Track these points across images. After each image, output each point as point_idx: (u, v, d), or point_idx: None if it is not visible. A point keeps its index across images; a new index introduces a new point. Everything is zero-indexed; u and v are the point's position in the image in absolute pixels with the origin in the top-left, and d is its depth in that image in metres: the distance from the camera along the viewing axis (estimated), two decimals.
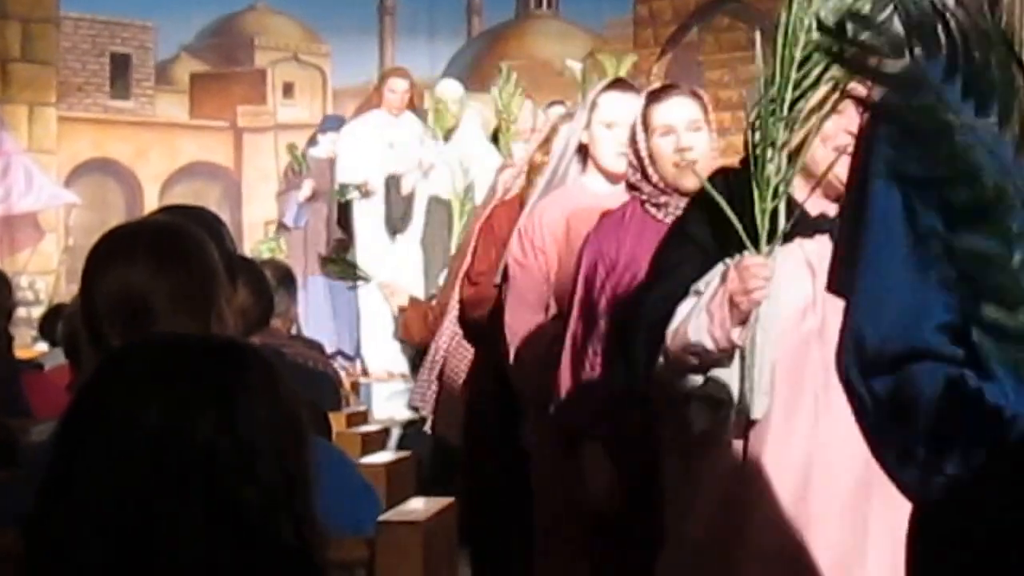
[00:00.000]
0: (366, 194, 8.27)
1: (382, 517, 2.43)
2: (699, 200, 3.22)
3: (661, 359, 3.08)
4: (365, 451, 3.58)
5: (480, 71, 9.51)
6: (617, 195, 4.07)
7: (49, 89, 12.84)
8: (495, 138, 7.91)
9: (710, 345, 2.99)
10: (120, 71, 14.64)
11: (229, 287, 2.40)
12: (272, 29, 15.46)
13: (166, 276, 2.27)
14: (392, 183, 7.95)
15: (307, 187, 9.14)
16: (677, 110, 3.77)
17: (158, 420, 1.57)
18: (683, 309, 3.06)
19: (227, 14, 15.37)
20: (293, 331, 5.98)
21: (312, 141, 9.51)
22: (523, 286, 4.28)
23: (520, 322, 4.27)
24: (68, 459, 1.60)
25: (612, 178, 4.19)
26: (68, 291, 10.02)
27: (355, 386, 7.53)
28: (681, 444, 3.18)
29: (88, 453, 1.59)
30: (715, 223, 3.08)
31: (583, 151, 4.31)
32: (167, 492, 1.55)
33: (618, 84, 4.38)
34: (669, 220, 3.63)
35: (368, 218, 8.24)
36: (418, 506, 2.57)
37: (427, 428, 5.24)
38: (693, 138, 3.76)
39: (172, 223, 2.51)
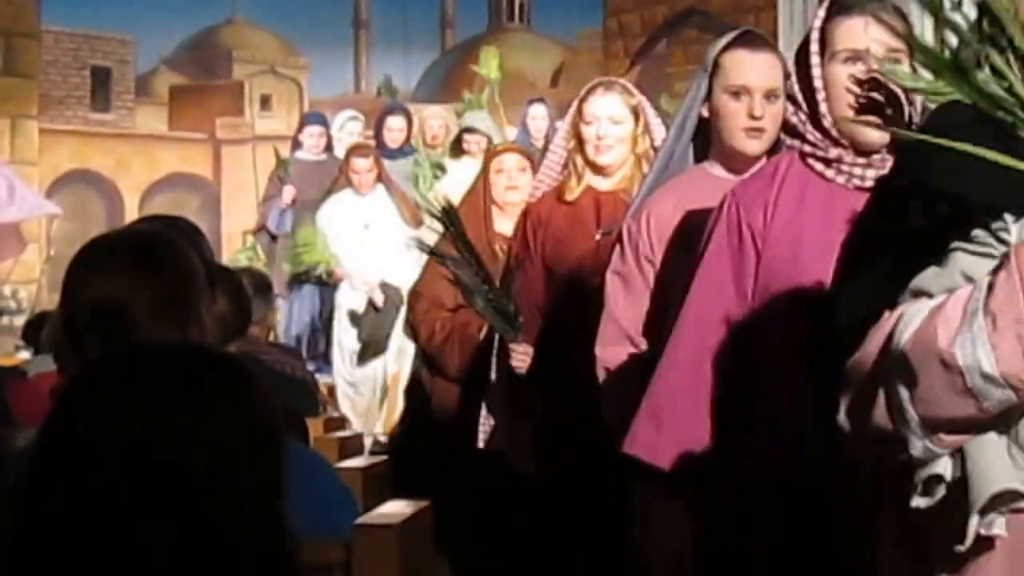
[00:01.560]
0: (333, 277, 8.13)
1: (358, 520, 2.48)
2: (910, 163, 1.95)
3: (884, 395, 1.78)
4: (342, 456, 3.61)
5: (454, 83, 9.56)
6: None
7: (31, 102, 12.83)
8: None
9: (988, 367, 1.68)
10: (100, 84, 14.63)
11: (208, 295, 2.38)
12: (250, 42, 15.46)
13: (145, 285, 2.26)
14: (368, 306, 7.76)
15: (287, 193, 8.93)
16: (872, 30, 2.64)
17: (123, 429, 1.55)
18: (916, 312, 1.78)
19: (205, 28, 15.37)
20: (271, 338, 6.00)
21: (296, 145, 9.37)
22: (623, 307, 3.36)
23: (616, 353, 3.37)
24: (43, 468, 1.59)
25: (741, 162, 3.19)
26: (50, 300, 10.00)
27: (332, 391, 7.53)
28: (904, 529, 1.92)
29: (60, 463, 1.58)
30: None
31: (703, 129, 3.33)
32: (135, 501, 1.54)
33: (746, 38, 3.28)
34: (842, 182, 2.67)
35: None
36: (394, 509, 2.60)
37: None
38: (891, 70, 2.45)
39: (152, 232, 2.50)
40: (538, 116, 8.84)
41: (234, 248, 11.47)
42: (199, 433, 1.56)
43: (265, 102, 15.18)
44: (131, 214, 13.70)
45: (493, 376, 4.38)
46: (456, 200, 6.77)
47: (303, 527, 1.75)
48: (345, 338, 7.90)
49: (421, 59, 11.24)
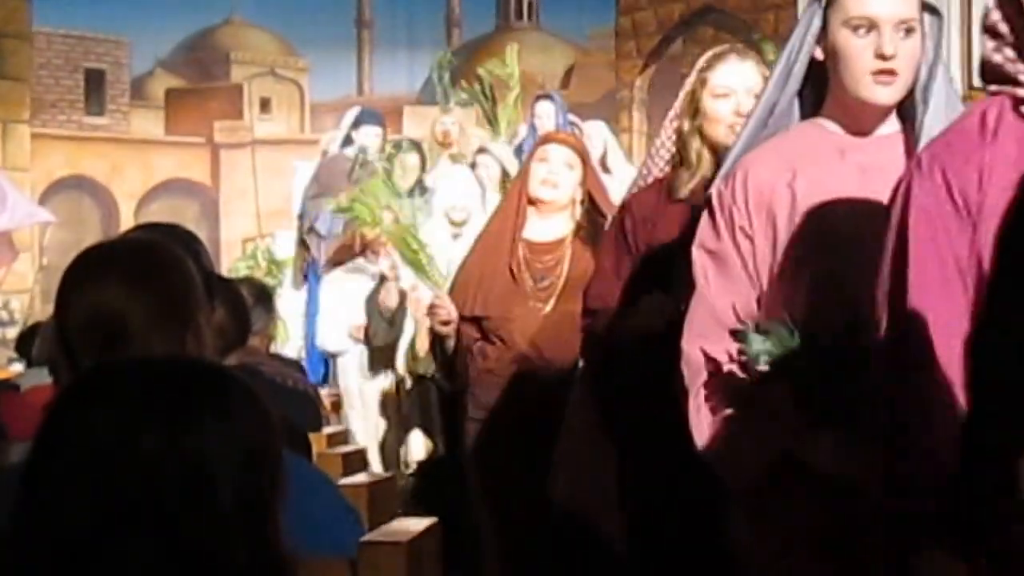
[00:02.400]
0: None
1: (364, 537, 2.41)
2: None
3: None
4: (346, 471, 3.55)
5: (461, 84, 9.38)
6: (876, 143, 2.57)
7: (22, 106, 12.81)
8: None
9: None
10: (94, 87, 14.58)
11: (207, 306, 2.37)
12: (248, 43, 15.43)
13: (142, 296, 2.25)
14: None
15: None
16: None
17: (103, 441, 1.57)
18: None
19: (203, 28, 15.33)
20: (272, 348, 5.92)
21: (347, 141, 8.70)
22: (716, 289, 2.66)
23: (709, 348, 2.64)
24: (31, 481, 1.61)
25: (866, 116, 2.64)
26: (43, 311, 9.96)
27: (336, 405, 7.39)
28: None
29: (44, 476, 1.60)
30: None
31: (815, 75, 2.71)
32: (113, 514, 1.55)
33: None
34: None
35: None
36: (401, 526, 2.55)
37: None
38: None
39: (148, 241, 2.51)
40: (544, 115, 8.16)
41: (233, 256, 11.39)
42: (171, 444, 1.57)
43: (265, 105, 15.14)
44: (127, 221, 13.65)
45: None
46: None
47: (302, 545, 1.73)
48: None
49: (427, 59, 11.14)
